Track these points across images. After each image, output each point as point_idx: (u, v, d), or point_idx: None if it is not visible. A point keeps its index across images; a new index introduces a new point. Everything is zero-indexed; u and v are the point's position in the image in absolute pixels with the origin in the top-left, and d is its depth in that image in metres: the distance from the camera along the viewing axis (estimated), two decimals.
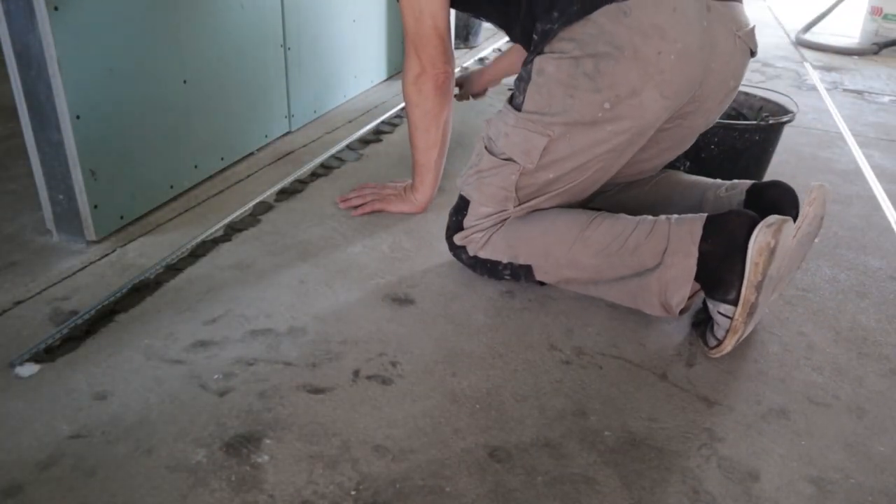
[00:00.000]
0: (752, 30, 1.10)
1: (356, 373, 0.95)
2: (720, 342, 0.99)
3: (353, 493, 0.76)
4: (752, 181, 1.14)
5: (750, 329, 1.00)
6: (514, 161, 1.08)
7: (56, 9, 1.08)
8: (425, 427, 0.86)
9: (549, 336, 1.05)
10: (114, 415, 0.85)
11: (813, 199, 0.99)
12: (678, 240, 1.02)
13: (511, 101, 1.11)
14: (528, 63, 1.08)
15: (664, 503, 0.77)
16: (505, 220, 1.14)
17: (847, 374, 1.00)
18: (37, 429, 0.83)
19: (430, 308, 1.11)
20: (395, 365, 0.97)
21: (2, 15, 1.08)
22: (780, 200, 1.06)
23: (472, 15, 1.33)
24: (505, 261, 1.13)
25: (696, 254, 1.00)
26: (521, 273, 1.14)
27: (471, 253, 1.15)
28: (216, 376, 0.93)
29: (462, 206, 1.17)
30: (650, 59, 0.99)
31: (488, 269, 1.15)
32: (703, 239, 1.00)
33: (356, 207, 1.40)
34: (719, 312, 0.99)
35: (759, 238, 0.94)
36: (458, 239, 1.17)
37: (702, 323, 1.07)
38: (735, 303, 0.97)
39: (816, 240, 1.26)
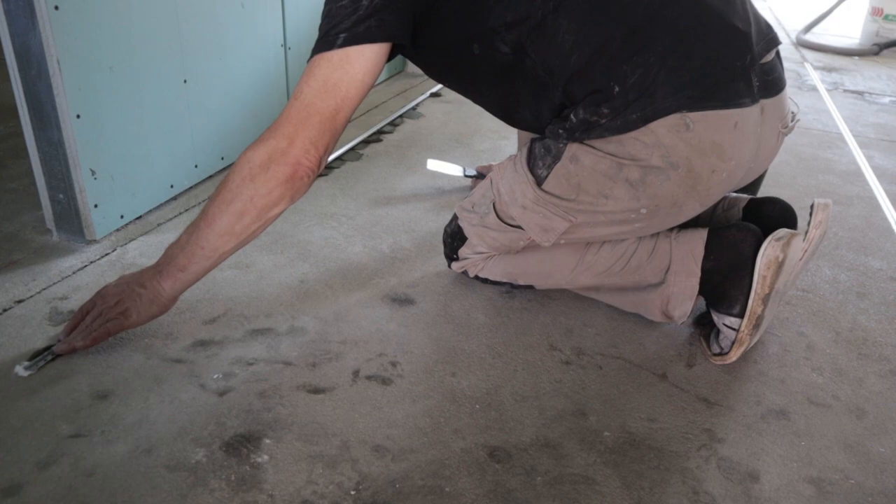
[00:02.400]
0: (795, 122, 1.06)
1: (356, 373, 0.95)
2: (725, 353, 0.99)
3: (352, 492, 0.76)
4: (749, 197, 1.12)
5: (756, 339, 1.00)
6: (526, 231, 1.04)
7: (56, 8, 1.07)
8: (425, 427, 0.86)
9: (549, 336, 1.05)
10: (113, 414, 0.85)
11: (819, 221, 0.98)
12: (680, 259, 1.01)
13: (530, 165, 1.01)
14: (557, 138, 0.98)
15: (664, 503, 0.77)
16: None
17: (847, 375, 1.00)
18: (36, 428, 0.83)
19: (430, 308, 1.11)
20: (395, 365, 0.97)
21: (2, 14, 1.08)
22: (778, 217, 1.04)
23: (460, 91, 1.10)
24: (504, 281, 1.14)
25: (698, 273, 1.00)
26: (521, 288, 1.15)
27: (471, 275, 1.15)
28: (216, 376, 0.93)
29: (458, 234, 1.12)
30: (702, 177, 0.94)
31: (491, 282, 1.16)
32: (706, 256, 0.99)
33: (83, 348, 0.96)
34: (725, 324, 0.99)
35: (768, 252, 0.94)
36: (455, 268, 1.16)
37: (706, 325, 1.06)
38: (741, 315, 0.96)
39: None
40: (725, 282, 0.98)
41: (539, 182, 0.99)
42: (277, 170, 0.89)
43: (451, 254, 1.15)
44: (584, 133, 0.94)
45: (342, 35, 0.89)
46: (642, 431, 0.87)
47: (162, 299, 0.95)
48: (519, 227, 1.03)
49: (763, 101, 0.96)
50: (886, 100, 2.46)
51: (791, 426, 0.89)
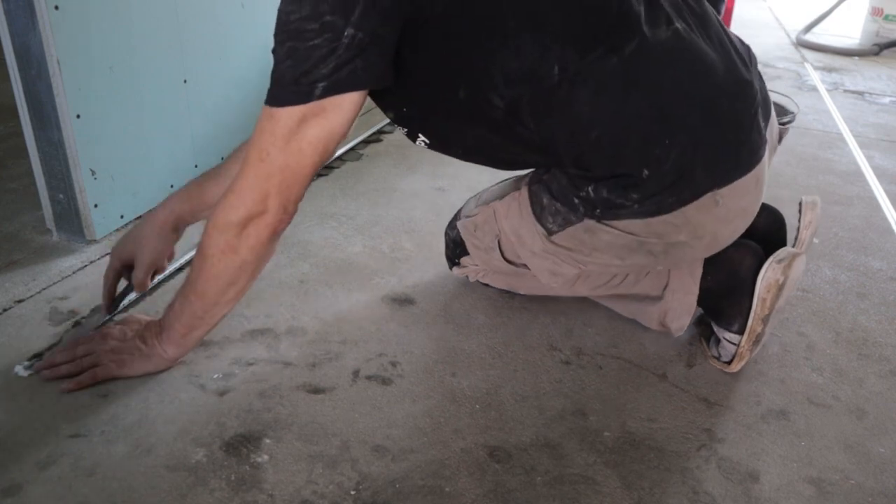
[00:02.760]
0: (789, 123, 1.03)
1: (356, 373, 0.95)
2: (727, 363, 0.99)
3: (352, 492, 0.76)
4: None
5: (757, 350, 1.00)
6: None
7: (56, 8, 1.07)
8: (425, 427, 0.86)
9: (549, 336, 1.05)
10: (113, 414, 0.85)
11: (808, 222, 0.98)
12: (678, 278, 1.01)
13: (538, 216, 0.94)
14: (571, 208, 0.90)
15: (664, 503, 0.77)
16: None
17: (847, 375, 1.00)
18: (36, 428, 0.83)
19: (430, 308, 1.11)
20: (394, 365, 0.97)
21: (2, 14, 1.08)
22: (767, 224, 1.03)
23: (435, 141, 0.94)
24: (505, 289, 1.14)
25: (696, 292, 1.00)
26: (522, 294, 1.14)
27: (471, 279, 1.15)
28: (216, 376, 0.93)
29: (461, 244, 1.10)
30: (725, 239, 0.93)
31: (490, 287, 1.15)
32: (704, 276, 0.99)
33: (68, 376, 0.91)
34: (725, 338, 0.99)
35: (769, 275, 0.93)
36: (456, 273, 1.15)
37: (707, 325, 1.06)
38: (740, 332, 0.96)
39: (816, 240, 1.26)
40: (724, 301, 0.98)
41: (549, 234, 0.94)
42: (258, 235, 0.82)
43: (453, 257, 1.14)
44: (607, 212, 0.88)
45: (320, 84, 0.75)
46: (642, 431, 0.87)
47: (161, 360, 0.92)
48: (525, 265, 1.02)
49: (767, 135, 0.91)
50: (886, 100, 2.46)
51: (791, 426, 0.89)
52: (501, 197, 1.02)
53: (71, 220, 1.23)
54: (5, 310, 1.05)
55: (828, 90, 2.53)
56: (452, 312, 1.10)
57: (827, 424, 0.90)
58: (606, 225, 0.89)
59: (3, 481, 0.75)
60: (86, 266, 1.18)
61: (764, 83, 0.93)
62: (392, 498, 0.76)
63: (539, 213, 0.94)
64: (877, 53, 3.19)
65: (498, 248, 1.03)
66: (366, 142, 1.81)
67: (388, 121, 1.94)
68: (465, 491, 0.77)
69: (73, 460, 0.78)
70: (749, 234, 0.97)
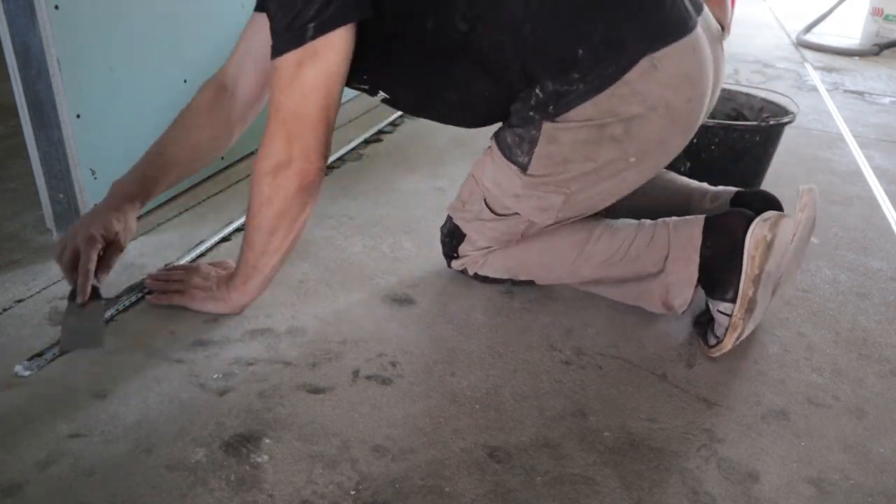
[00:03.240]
0: (730, 21, 1.08)
1: (356, 373, 0.95)
2: (720, 340, 0.99)
3: (352, 492, 0.76)
4: (736, 189, 1.14)
5: (750, 328, 1.00)
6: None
7: (56, 7, 1.07)
8: (425, 427, 0.86)
9: (549, 336, 1.05)
10: (113, 414, 0.85)
11: (804, 204, 0.99)
12: (679, 247, 1.02)
13: (508, 155, 1.01)
14: (528, 122, 0.97)
15: (663, 503, 0.77)
16: None
17: (847, 376, 1.00)
18: (36, 428, 0.83)
19: (430, 308, 1.11)
20: (394, 365, 0.97)
21: (2, 14, 1.08)
22: (764, 209, 1.04)
23: (383, 93, 1.02)
24: (505, 278, 1.14)
25: (697, 260, 1.01)
26: (522, 283, 1.14)
27: (470, 272, 1.15)
28: (215, 376, 0.93)
29: (456, 233, 1.12)
30: (680, 110, 0.96)
31: (490, 280, 1.15)
32: (704, 243, 1.00)
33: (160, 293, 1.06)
34: (719, 311, 1.00)
35: (756, 231, 0.95)
36: (455, 266, 1.16)
37: (703, 323, 1.07)
38: (734, 300, 0.97)
39: (815, 240, 1.26)
40: (721, 268, 0.99)
41: (524, 169, 0.99)
42: (287, 185, 0.91)
43: (451, 253, 1.15)
44: (558, 105, 0.93)
45: (310, 26, 0.82)
46: (642, 431, 0.87)
47: (226, 304, 1.02)
48: (516, 213, 1.04)
49: (698, 18, 0.97)
50: (887, 100, 2.46)
51: (791, 426, 0.89)
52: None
53: (71, 220, 1.23)
54: (5, 309, 1.05)
55: (828, 90, 2.53)
56: (452, 312, 1.10)
57: (827, 424, 0.90)
58: (563, 123, 0.95)
59: (3, 481, 0.75)
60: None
61: None
62: (392, 498, 0.76)
63: (508, 152, 1.00)
64: (877, 53, 3.19)
65: (486, 206, 1.05)
66: (366, 142, 1.81)
67: (388, 121, 1.96)
68: (465, 491, 0.77)
69: (73, 460, 0.78)
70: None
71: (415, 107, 1.08)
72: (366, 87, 1.01)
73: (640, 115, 0.94)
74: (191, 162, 1.10)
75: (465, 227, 1.10)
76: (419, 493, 0.77)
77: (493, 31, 0.92)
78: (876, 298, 1.19)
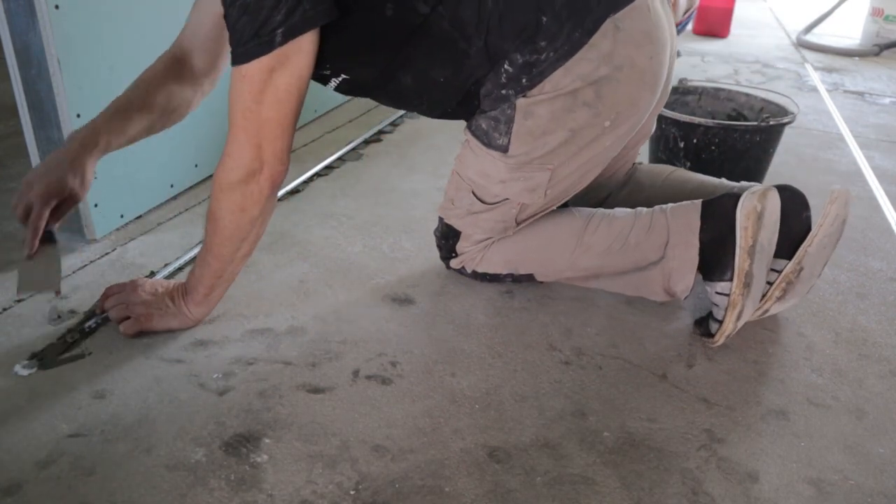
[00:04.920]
0: None
1: (356, 373, 0.95)
2: (720, 322, 1.00)
3: (352, 492, 0.76)
4: (755, 185, 1.13)
5: (749, 309, 1.00)
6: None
7: (57, 7, 1.08)
8: (425, 427, 0.86)
9: (549, 336, 1.05)
10: (113, 414, 0.85)
11: (834, 198, 1.00)
12: (678, 232, 1.03)
13: (485, 140, 1.02)
14: (501, 102, 0.98)
15: (663, 503, 0.77)
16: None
17: (847, 376, 1.00)
18: (36, 427, 0.83)
19: (430, 308, 1.11)
20: (394, 365, 0.97)
21: (3, 13, 1.08)
22: (790, 202, 1.04)
23: (374, 89, 1.03)
24: (504, 272, 1.13)
25: (696, 244, 1.02)
26: (522, 279, 1.14)
27: (468, 270, 1.14)
28: (215, 375, 0.93)
29: (450, 233, 1.12)
30: (645, 68, 0.98)
31: (489, 278, 1.15)
32: (702, 227, 1.01)
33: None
34: (717, 293, 1.01)
35: (746, 203, 0.98)
36: (454, 265, 1.15)
37: (703, 321, 1.07)
38: (732, 279, 0.98)
39: None
40: (719, 249, 1.00)
41: (504, 150, 1.00)
42: (261, 190, 0.90)
43: (448, 254, 1.15)
44: (531, 76, 0.94)
45: (279, 31, 0.82)
46: (642, 431, 0.87)
47: (187, 319, 1.00)
48: (507, 199, 1.05)
49: None
50: (887, 100, 2.46)
51: (791, 427, 0.89)
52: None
53: (71, 220, 1.23)
54: (5, 309, 1.05)
55: (828, 91, 2.53)
56: (452, 312, 1.10)
57: (826, 425, 0.90)
58: (537, 96, 0.96)
59: (3, 481, 0.75)
60: (86, 266, 1.18)
61: None
62: (392, 498, 0.76)
63: (486, 139, 1.01)
64: (877, 54, 3.19)
65: (475, 198, 1.06)
66: (366, 142, 1.81)
67: (388, 121, 1.96)
68: (465, 491, 0.77)
69: (73, 460, 0.78)
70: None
71: (372, 92, 1.06)
72: (327, 72, 0.99)
73: (609, 76, 0.96)
74: (151, 122, 1.08)
75: (458, 224, 1.10)
76: (419, 493, 0.77)
77: (457, 8, 0.92)
78: (876, 298, 1.19)
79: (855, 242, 1.38)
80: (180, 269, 1.18)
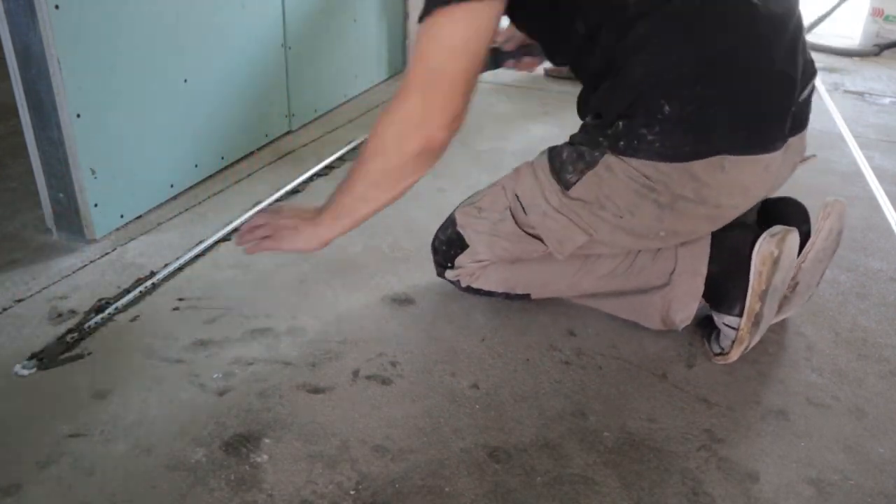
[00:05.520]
0: (809, 157, 1.06)
1: (356, 372, 0.95)
2: (725, 353, 0.99)
3: (352, 492, 0.76)
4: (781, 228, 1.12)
5: (756, 340, 1.00)
6: (542, 242, 1.01)
7: (57, 7, 1.07)
8: (425, 427, 0.86)
9: (549, 336, 1.05)
10: (113, 414, 0.85)
11: (828, 213, 0.99)
12: (685, 260, 1.01)
13: (557, 172, 0.98)
14: (595, 146, 0.94)
15: (663, 503, 0.77)
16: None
17: (847, 376, 1.00)
18: (36, 427, 0.83)
19: (430, 308, 1.11)
20: (394, 365, 0.97)
21: (3, 13, 1.08)
22: (789, 214, 1.03)
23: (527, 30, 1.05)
24: (500, 291, 1.10)
25: (704, 272, 1.00)
26: (516, 298, 1.11)
27: (462, 284, 1.10)
28: (215, 376, 0.93)
29: (457, 241, 1.07)
30: (725, 213, 0.96)
31: (483, 293, 1.11)
32: (710, 259, 0.99)
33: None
34: (725, 324, 0.99)
35: (763, 247, 0.94)
36: (449, 276, 1.11)
37: (708, 326, 1.06)
38: (741, 315, 0.97)
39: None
40: (728, 283, 0.98)
41: (567, 187, 0.96)
42: (408, 144, 0.87)
43: (445, 262, 1.10)
44: (629, 145, 0.91)
45: None
46: (642, 432, 0.87)
47: (312, 237, 0.98)
48: (536, 237, 1.01)
49: (790, 139, 0.95)
50: (887, 100, 2.46)
51: (791, 427, 0.89)
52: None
53: (71, 220, 1.23)
54: (5, 309, 1.05)
55: (828, 91, 2.53)
56: (452, 312, 1.10)
57: (826, 425, 0.90)
58: (624, 161, 0.92)
59: (3, 481, 0.75)
60: (86, 265, 1.18)
61: (809, 106, 0.99)
62: (392, 498, 0.76)
63: (558, 166, 0.97)
64: (877, 54, 3.19)
65: (511, 217, 1.02)
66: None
67: None
68: (465, 491, 0.77)
69: (73, 460, 0.78)
70: (768, 222, 0.99)
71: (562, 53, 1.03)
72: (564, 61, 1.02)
73: (689, 200, 0.92)
74: None
75: (472, 238, 1.06)
76: (419, 493, 0.77)
77: (612, 47, 0.91)
78: (876, 299, 1.19)
79: (855, 242, 1.38)
80: (180, 269, 1.18)
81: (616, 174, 0.93)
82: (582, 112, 1.03)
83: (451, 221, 1.09)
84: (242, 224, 1.10)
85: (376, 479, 0.78)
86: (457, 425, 0.87)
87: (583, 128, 0.98)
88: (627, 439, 0.86)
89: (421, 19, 0.83)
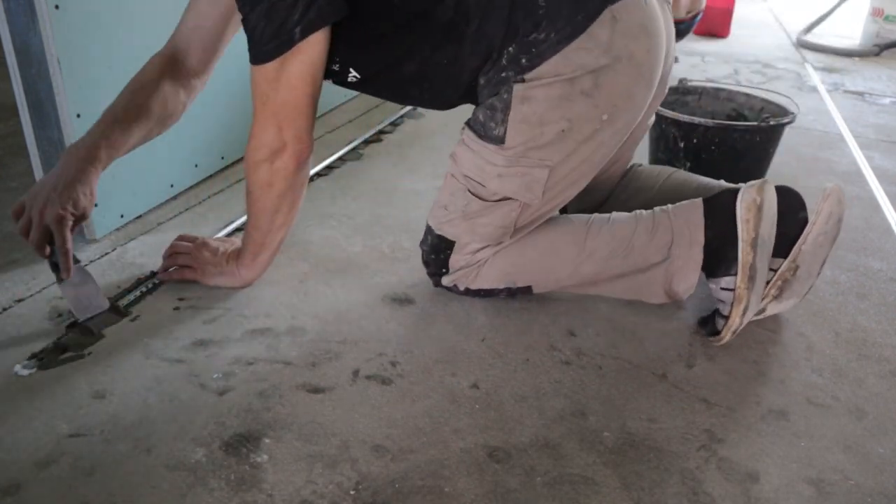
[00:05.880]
0: None
1: (356, 372, 0.95)
2: (727, 318, 1.00)
3: (352, 492, 0.76)
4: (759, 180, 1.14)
5: (754, 304, 1.00)
6: (513, 199, 1.02)
7: (57, 7, 1.08)
8: (424, 427, 0.86)
9: (549, 336, 1.05)
10: (113, 414, 0.85)
11: (827, 195, 1.00)
12: (681, 231, 1.03)
13: (482, 132, 1.01)
14: (501, 85, 0.98)
15: (663, 503, 0.77)
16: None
17: (847, 376, 1.00)
18: (36, 427, 0.83)
19: (430, 308, 1.11)
20: (394, 365, 0.97)
21: (2, 13, 1.08)
22: (786, 202, 1.03)
23: (377, 85, 1.07)
24: (501, 287, 1.09)
25: (701, 241, 1.02)
26: (518, 292, 1.11)
27: (461, 287, 1.10)
28: (215, 375, 0.93)
29: (441, 244, 1.08)
30: (642, 61, 0.98)
31: (483, 294, 1.11)
32: (706, 225, 1.02)
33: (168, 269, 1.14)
34: (722, 289, 1.01)
35: (745, 196, 0.99)
36: (445, 282, 1.10)
37: (708, 320, 1.07)
38: (737, 273, 0.99)
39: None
40: (723, 247, 1.01)
41: (501, 141, 0.99)
42: (285, 167, 0.99)
43: (439, 270, 1.10)
44: (530, 56, 0.95)
45: (297, 29, 0.89)
46: (642, 432, 0.87)
47: (236, 278, 1.11)
48: (504, 198, 1.02)
49: None
50: (887, 100, 2.46)
51: (791, 427, 0.89)
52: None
53: None
54: (5, 309, 1.05)
55: (828, 91, 2.53)
56: (452, 312, 1.10)
57: (826, 425, 0.90)
58: (534, 80, 0.96)
59: (2, 481, 0.75)
60: (86, 266, 1.17)
61: None
62: (392, 498, 0.76)
63: (482, 130, 1.01)
64: (877, 54, 3.19)
65: (471, 196, 1.03)
66: (366, 142, 1.81)
67: (388, 121, 1.96)
68: (465, 491, 0.77)
69: (73, 460, 0.78)
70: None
71: (378, 84, 1.08)
72: (336, 66, 1.03)
73: (607, 66, 0.96)
74: (148, 130, 1.10)
75: (452, 232, 1.06)
76: (419, 493, 0.77)
77: None
78: (876, 299, 1.19)
79: (855, 242, 1.38)
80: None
81: (534, 98, 0.97)
82: (476, 98, 1.05)
83: (427, 230, 1.10)
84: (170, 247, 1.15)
85: (376, 479, 0.78)
86: (457, 425, 0.87)
87: (482, 86, 1.01)
88: (627, 439, 0.86)
89: (255, 63, 0.95)
